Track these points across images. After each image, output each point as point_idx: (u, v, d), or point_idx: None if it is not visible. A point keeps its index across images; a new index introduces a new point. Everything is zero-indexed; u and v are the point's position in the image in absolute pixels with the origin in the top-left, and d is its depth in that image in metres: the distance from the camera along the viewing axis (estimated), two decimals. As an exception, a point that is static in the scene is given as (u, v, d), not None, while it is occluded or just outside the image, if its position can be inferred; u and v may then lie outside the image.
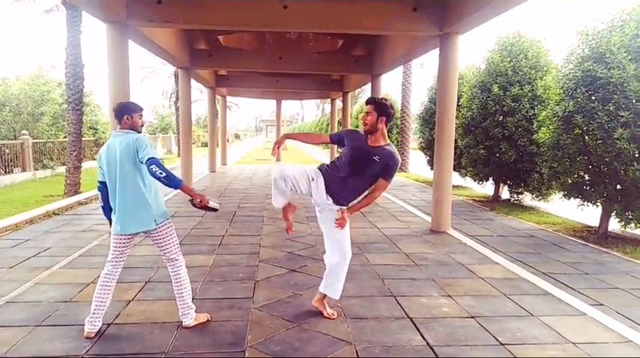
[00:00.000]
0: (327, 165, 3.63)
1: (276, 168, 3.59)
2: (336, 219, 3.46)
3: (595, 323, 3.74)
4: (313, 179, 3.53)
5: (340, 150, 3.74)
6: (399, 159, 3.50)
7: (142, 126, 3.47)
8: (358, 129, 3.67)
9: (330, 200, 3.53)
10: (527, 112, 8.81)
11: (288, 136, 3.88)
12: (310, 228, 7.11)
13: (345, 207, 3.58)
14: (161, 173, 3.08)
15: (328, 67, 13.47)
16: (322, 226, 3.73)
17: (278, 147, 3.68)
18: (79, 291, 4.25)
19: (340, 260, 3.68)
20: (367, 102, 3.54)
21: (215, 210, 3.53)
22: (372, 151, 3.43)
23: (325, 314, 3.76)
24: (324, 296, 3.80)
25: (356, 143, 3.52)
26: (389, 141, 3.53)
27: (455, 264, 5.34)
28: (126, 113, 3.36)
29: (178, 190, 3.24)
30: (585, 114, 6.36)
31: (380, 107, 3.43)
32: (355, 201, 3.62)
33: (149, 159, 3.12)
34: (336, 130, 21.01)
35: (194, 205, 3.40)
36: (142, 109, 3.47)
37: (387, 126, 3.49)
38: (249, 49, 12.96)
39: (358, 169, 3.45)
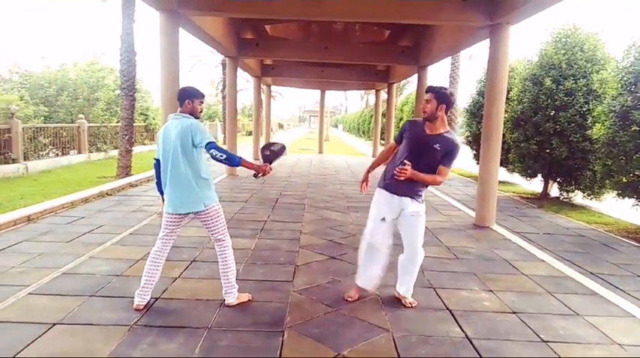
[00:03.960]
0: (384, 175, 3.72)
1: (365, 244, 3.81)
2: (399, 168, 3.34)
3: (645, 326, 3.59)
4: (383, 219, 3.65)
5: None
6: (460, 144, 3.49)
7: (201, 112, 3.58)
8: (416, 119, 3.68)
9: (407, 201, 3.56)
10: (581, 107, 8.44)
11: (370, 170, 3.95)
12: (351, 217, 7.14)
13: (421, 202, 3.62)
14: (221, 155, 3.25)
15: (374, 58, 13.36)
16: (407, 228, 3.71)
17: (366, 185, 3.90)
18: (129, 266, 4.46)
19: (418, 256, 3.73)
20: (427, 91, 3.54)
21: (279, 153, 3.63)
22: (432, 139, 3.45)
23: (404, 303, 3.81)
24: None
25: (415, 133, 3.55)
26: (448, 128, 3.52)
27: (498, 260, 5.24)
28: (187, 97, 3.48)
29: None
30: (645, 109, 6.05)
31: (440, 95, 3.44)
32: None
33: (208, 143, 3.29)
34: (380, 121, 20.86)
35: (256, 176, 3.53)
36: (203, 96, 3.59)
37: (447, 113, 3.49)
38: (295, 38, 13.06)
39: (419, 159, 3.44)
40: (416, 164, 3.40)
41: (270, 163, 3.54)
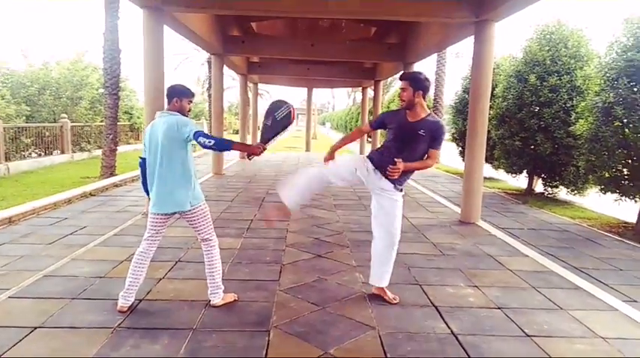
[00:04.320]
0: (377, 150, 3.68)
1: (320, 173, 3.65)
2: (391, 167, 3.34)
3: (627, 320, 3.64)
4: (365, 169, 3.57)
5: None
6: (444, 125, 3.49)
7: (189, 111, 3.52)
8: (397, 109, 3.67)
9: (387, 183, 3.53)
10: (565, 103, 8.53)
11: (335, 149, 3.87)
12: (337, 215, 7.14)
13: (401, 191, 3.63)
14: (209, 141, 3.19)
15: (360, 55, 13.35)
16: (373, 209, 3.73)
17: (329, 160, 3.76)
18: (112, 268, 4.40)
19: (388, 243, 3.69)
20: (401, 78, 3.54)
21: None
22: (415, 126, 3.45)
23: (386, 298, 3.78)
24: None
25: (397, 122, 3.54)
26: (429, 111, 3.52)
27: (483, 255, 5.27)
28: (176, 95, 3.42)
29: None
30: (626, 105, 6.14)
31: (415, 81, 3.45)
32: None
33: (195, 132, 3.22)
34: (367, 120, 20.89)
35: (249, 158, 3.44)
36: (193, 95, 3.53)
37: (424, 99, 3.48)
38: (281, 36, 13.00)
39: (407, 147, 3.46)
40: (404, 153, 3.42)
41: (267, 141, 3.41)
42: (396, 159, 3.35)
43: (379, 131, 3.86)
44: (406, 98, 3.46)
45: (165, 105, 3.50)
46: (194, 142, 3.28)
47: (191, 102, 3.52)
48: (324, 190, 3.61)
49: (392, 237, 3.69)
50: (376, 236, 3.78)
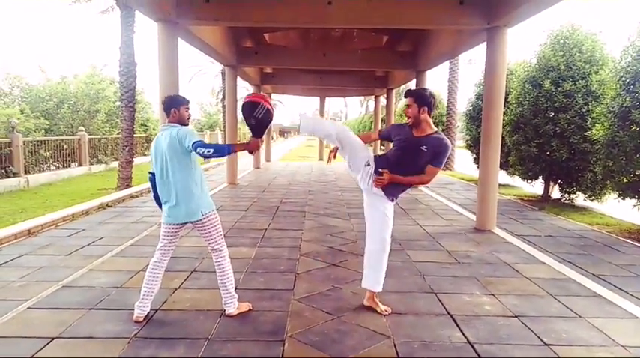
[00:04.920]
0: (378, 155, 3.68)
1: (341, 128, 3.63)
2: (376, 177, 3.40)
3: (648, 328, 3.56)
4: (369, 164, 3.57)
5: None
6: (449, 144, 3.46)
7: (189, 118, 3.56)
8: (405, 123, 3.68)
9: (380, 192, 3.55)
10: (580, 109, 8.44)
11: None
12: (352, 224, 7.12)
13: (392, 201, 3.63)
14: (208, 151, 3.21)
15: (372, 64, 13.41)
16: (366, 213, 3.75)
17: (334, 157, 3.80)
18: (129, 278, 4.45)
19: (379, 247, 3.68)
20: (406, 95, 3.55)
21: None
22: (419, 142, 3.45)
23: (379, 310, 3.73)
24: (372, 292, 3.81)
25: (402, 136, 3.56)
26: (435, 129, 3.52)
27: (499, 263, 5.21)
28: (173, 106, 3.47)
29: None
30: (643, 109, 6.04)
31: (420, 98, 3.45)
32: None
33: (193, 143, 3.24)
34: (379, 127, 20.90)
35: (252, 153, 3.49)
36: (188, 101, 3.55)
37: (430, 115, 3.48)
38: (293, 46, 13.10)
39: (408, 161, 3.47)
40: (403, 166, 3.44)
41: (260, 135, 3.41)
42: (381, 170, 3.41)
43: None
44: (412, 114, 3.47)
45: (165, 120, 3.54)
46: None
47: (188, 108, 3.55)
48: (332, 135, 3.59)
49: (381, 242, 3.68)
50: (368, 238, 3.77)
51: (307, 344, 3.16)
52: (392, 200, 3.64)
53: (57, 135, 15.37)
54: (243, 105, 3.38)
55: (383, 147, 22.30)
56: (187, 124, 3.52)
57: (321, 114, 24.10)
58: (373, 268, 3.75)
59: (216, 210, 3.62)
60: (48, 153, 13.72)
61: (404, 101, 28.87)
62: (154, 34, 7.11)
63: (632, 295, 4.26)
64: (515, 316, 3.72)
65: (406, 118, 3.52)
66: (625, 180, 6.71)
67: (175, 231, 3.54)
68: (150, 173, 3.56)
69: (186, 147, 3.29)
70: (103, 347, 3.09)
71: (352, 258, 5.27)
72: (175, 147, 3.32)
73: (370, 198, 3.68)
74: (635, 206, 6.72)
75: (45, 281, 4.35)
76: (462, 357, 3.05)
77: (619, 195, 6.97)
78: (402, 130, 3.60)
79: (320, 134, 3.85)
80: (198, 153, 3.23)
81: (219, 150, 3.26)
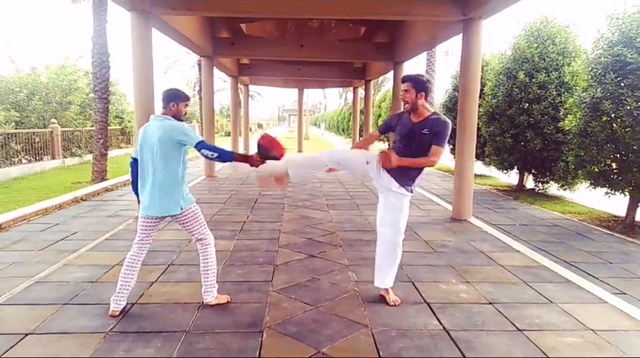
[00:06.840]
0: (385, 151, 3.68)
1: (330, 155, 3.73)
2: (381, 156, 3.40)
3: (616, 312, 3.68)
4: (368, 163, 3.59)
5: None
6: (448, 122, 3.45)
7: (186, 114, 3.52)
8: (401, 111, 3.71)
9: (395, 183, 3.56)
10: (553, 99, 8.61)
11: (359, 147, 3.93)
12: (330, 215, 7.15)
13: (411, 192, 3.65)
14: (212, 154, 3.25)
15: (350, 55, 13.38)
16: (380, 210, 3.76)
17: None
18: (104, 273, 4.39)
19: (393, 242, 3.71)
20: (403, 80, 3.55)
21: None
22: (419, 126, 3.47)
23: (388, 300, 3.76)
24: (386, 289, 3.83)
25: (403, 124, 3.59)
26: (433, 110, 3.54)
27: (475, 252, 5.31)
28: (172, 100, 3.41)
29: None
30: (614, 100, 6.19)
31: (417, 83, 3.48)
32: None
33: (198, 143, 3.25)
34: (358, 119, 20.95)
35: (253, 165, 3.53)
36: (188, 98, 3.53)
37: (426, 100, 3.52)
38: (270, 37, 12.98)
39: (413, 147, 3.49)
40: (409, 152, 3.46)
41: (264, 160, 3.52)
42: (387, 151, 3.41)
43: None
44: (409, 99, 3.49)
45: (160, 109, 3.49)
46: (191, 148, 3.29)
47: (187, 105, 3.52)
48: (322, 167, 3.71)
49: (397, 235, 3.70)
50: (381, 237, 3.78)
51: (286, 335, 3.18)
52: (410, 191, 3.62)
53: (28, 128, 14.94)
54: (260, 150, 3.48)
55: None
56: (183, 120, 3.47)
57: (300, 105, 24.02)
58: (391, 266, 3.77)
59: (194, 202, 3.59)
60: (19, 147, 13.34)
61: (381, 92, 28.89)
62: (128, 23, 6.95)
63: (601, 281, 4.39)
64: (490, 303, 3.80)
65: (404, 104, 3.55)
66: (596, 170, 6.89)
67: (153, 225, 3.49)
68: (132, 158, 3.49)
69: (186, 144, 3.29)
70: (78, 342, 3.05)
71: (331, 248, 5.29)
72: (168, 140, 3.27)
73: (386, 197, 3.66)
74: (606, 194, 6.91)
75: (17, 276, 4.25)
76: (437, 344, 3.10)
77: (590, 184, 7.15)
78: (401, 119, 3.63)
79: (314, 171, 3.90)
80: (203, 154, 3.23)
81: (223, 156, 3.29)
